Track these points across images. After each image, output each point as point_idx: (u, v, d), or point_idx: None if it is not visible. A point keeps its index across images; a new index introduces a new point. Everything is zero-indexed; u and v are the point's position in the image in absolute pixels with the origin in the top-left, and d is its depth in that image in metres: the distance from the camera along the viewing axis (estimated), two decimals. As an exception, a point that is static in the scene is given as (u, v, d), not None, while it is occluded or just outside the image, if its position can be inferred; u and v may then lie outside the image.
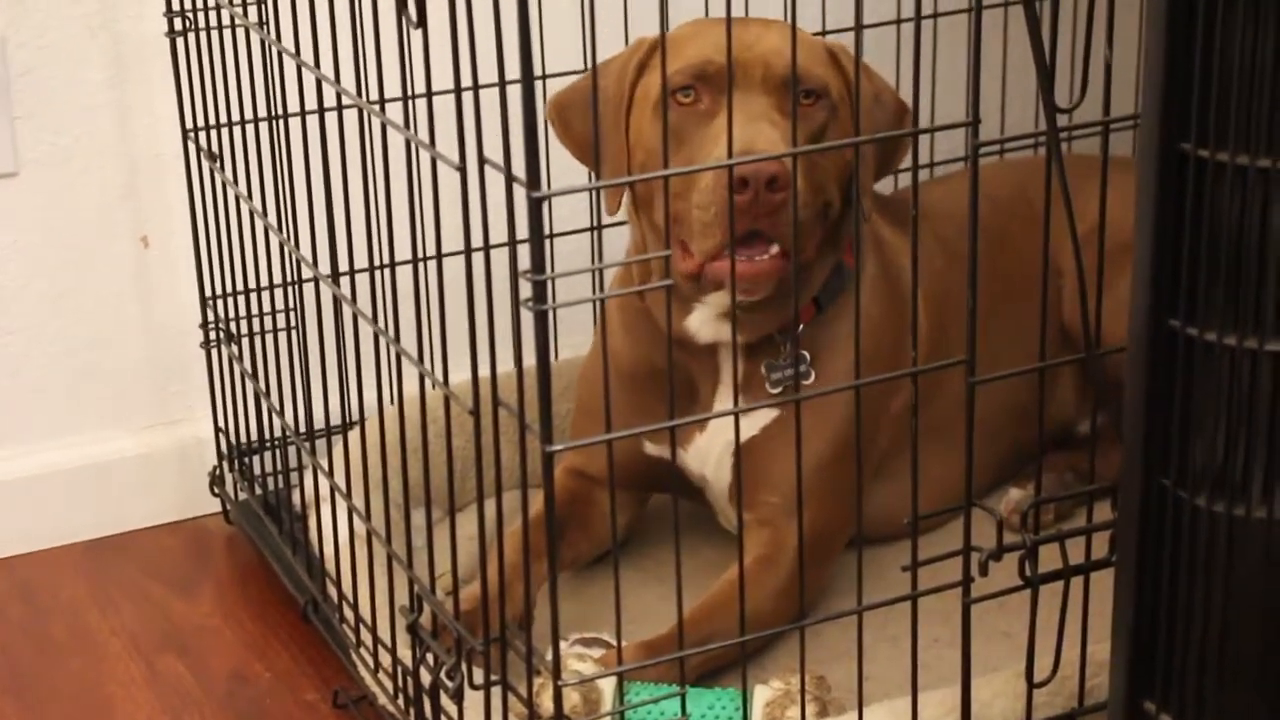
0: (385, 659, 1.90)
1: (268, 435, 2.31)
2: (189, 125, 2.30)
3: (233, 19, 2.14)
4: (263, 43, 2.06)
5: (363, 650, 1.96)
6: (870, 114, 2.01)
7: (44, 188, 2.37)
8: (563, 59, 2.33)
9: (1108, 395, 1.76)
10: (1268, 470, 1.49)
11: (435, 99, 1.62)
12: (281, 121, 2.02)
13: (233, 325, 2.32)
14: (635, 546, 2.28)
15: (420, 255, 1.68)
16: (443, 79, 1.58)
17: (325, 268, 1.88)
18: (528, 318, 1.44)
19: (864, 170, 2.00)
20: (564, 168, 2.24)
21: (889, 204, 2.26)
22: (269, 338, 2.26)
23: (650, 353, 2.11)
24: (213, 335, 2.36)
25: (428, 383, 1.68)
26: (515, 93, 1.39)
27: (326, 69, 1.81)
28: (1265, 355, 1.46)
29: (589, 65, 2.22)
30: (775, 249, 1.91)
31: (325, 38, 1.81)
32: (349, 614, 1.98)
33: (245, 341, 2.29)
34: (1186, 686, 1.57)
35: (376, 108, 1.73)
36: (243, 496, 2.39)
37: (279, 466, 2.29)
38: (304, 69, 1.88)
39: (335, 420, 2.19)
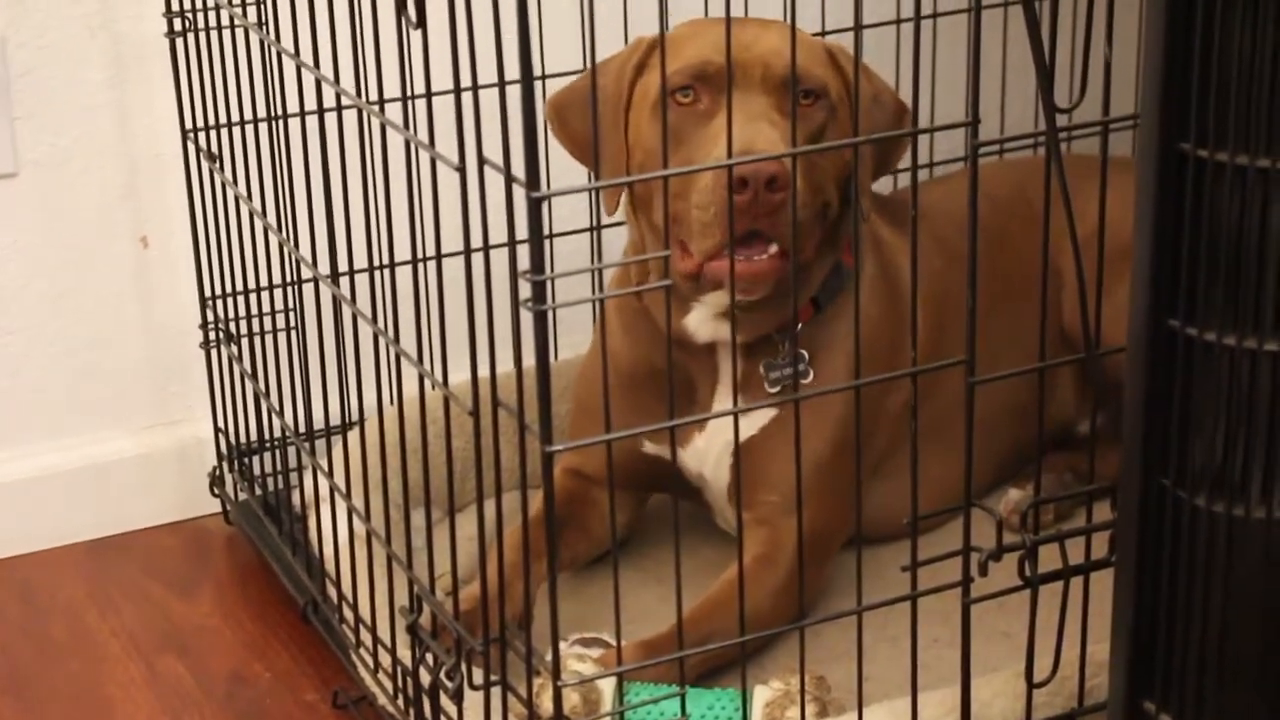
0: (385, 659, 1.90)
1: (267, 436, 2.31)
2: (189, 125, 2.30)
3: (232, 19, 2.14)
4: (262, 43, 2.06)
5: (362, 651, 1.96)
6: (869, 114, 2.00)
7: (44, 188, 2.37)
8: (562, 59, 2.33)
9: (1107, 395, 1.76)
10: (1267, 470, 1.49)
11: (435, 99, 1.62)
12: (281, 122, 2.02)
13: (232, 325, 2.31)
14: (634, 546, 2.28)
15: (420, 256, 1.68)
16: (442, 79, 1.58)
17: (325, 268, 1.88)
18: (527, 318, 1.44)
19: (863, 170, 2.00)
20: (563, 168, 2.24)
21: (888, 204, 2.26)
22: (269, 338, 2.26)
23: (649, 352, 2.11)
24: (212, 335, 2.36)
25: (427, 383, 1.68)
26: (515, 93, 1.39)
27: (326, 69, 1.81)
28: (1265, 355, 1.46)
29: (588, 65, 2.22)
30: (774, 249, 1.91)
31: (325, 38, 1.81)
32: (349, 614, 1.98)
33: (245, 342, 2.28)
34: (1186, 686, 1.57)
35: (376, 108, 1.73)
36: (242, 497, 2.39)
37: (279, 467, 2.29)
38: (304, 69, 1.88)
39: (335, 421, 2.19)
